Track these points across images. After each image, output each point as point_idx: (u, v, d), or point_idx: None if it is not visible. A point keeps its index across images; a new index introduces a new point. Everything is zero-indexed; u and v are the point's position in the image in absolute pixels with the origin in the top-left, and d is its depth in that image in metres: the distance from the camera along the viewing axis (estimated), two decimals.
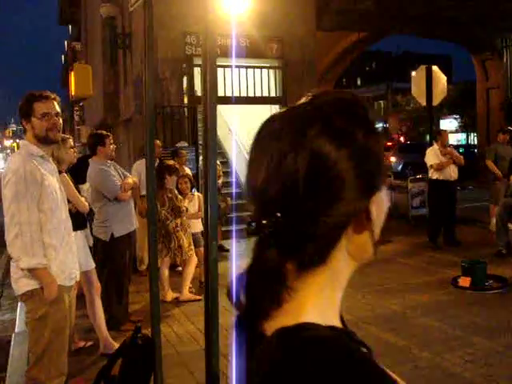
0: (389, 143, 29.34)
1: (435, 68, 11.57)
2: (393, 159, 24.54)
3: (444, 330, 5.04)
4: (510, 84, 19.78)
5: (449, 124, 45.88)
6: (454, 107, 36.77)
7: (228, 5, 8.21)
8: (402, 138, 39.38)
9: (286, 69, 9.18)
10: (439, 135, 9.22)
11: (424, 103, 11.60)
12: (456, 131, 44.18)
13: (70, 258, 3.32)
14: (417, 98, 11.77)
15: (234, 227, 9.81)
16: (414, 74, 11.68)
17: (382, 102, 51.45)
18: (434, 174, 8.91)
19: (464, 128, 41.71)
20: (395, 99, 47.53)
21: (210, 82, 2.27)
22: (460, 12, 16.58)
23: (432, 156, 8.96)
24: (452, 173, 8.94)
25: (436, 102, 11.52)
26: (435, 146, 9.10)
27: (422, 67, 11.63)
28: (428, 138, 33.97)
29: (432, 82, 11.42)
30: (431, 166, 8.85)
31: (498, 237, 8.06)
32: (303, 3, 9.09)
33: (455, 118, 42.56)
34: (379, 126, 46.22)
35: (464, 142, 40.39)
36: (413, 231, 10.26)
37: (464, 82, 34.31)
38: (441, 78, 11.51)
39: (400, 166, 23.24)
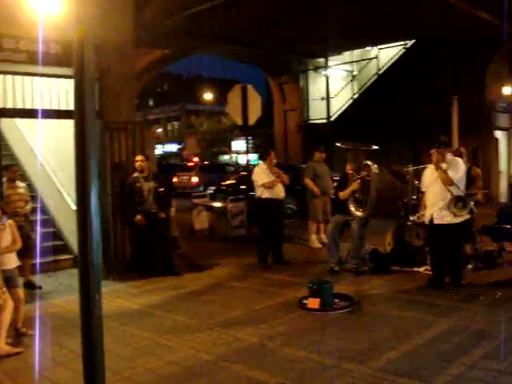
0: (190, 164, 29.28)
1: (250, 87, 11.55)
2: (195, 179, 24.46)
3: (314, 360, 4.66)
4: (306, 107, 20.98)
5: (240, 145, 47.81)
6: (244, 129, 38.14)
7: (37, 6, 7.13)
8: (196, 159, 39.73)
9: (102, 80, 8.27)
10: (268, 154, 9.09)
11: (240, 122, 11.50)
12: (249, 152, 46.04)
13: None
14: (232, 117, 11.62)
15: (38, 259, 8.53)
16: (229, 92, 11.53)
17: (176, 123, 51.74)
18: (263, 193, 8.72)
19: (256, 149, 43.66)
20: (189, 120, 48.16)
21: None
22: (261, 36, 17.12)
23: (262, 174, 8.78)
24: (280, 191, 8.86)
25: (252, 121, 11.48)
26: (263, 165, 8.93)
27: (238, 86, 11.54)
28: (225, 157, 34.82)
29: (247, 101, 11.37)
30: (263, 184, 8.65)
31: (330, 254, 8.11)
32: (122, 9, 8.31)
33: (245, 140, 44.27)
34: (175, 147, 46.37)
35: (256, 162, 42.27)
36: (238, 252, 9.99)
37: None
38: (256, 98, 11.52)
39: (202, 187, 23.20)
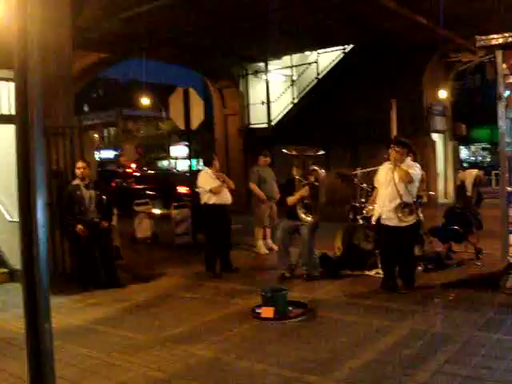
0: (128, 170, 28.57)
1: (192, 90, 11.29)
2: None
3: (274, 373, 4.44)
4: (247, 111, 20.83)
5: (179, 151, 47.23)
6: (184, 134, 37.70)
7: None
8: (133, 165, 38.84)
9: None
10: (214, 160, 8.86)
11: (182, 126, 11.20)
12: (186, 158, 45.59)
13: None
14: (175, 121, 11.30)
15: None
16: (171, 96, 11.21)
17: (112, 128, 50.54)
18: (210, 199, 8.47)
19: (194, 154, 43.20)
20: (126, 126, 47.17)
21: None
22: (200, 40, 16.84)
23: (207, 180, 8.52)
24: (227, 196, 8.63)
25: (194, 125, 11.21)
26: (208, 170, 8.68)
27: (180, 89, 11.25)
28: (166, 163, 34.20)
29: (189, 105, 11.10)
30: (210, 190, 8.39)
31: (280, 260, 7.93)
32: (59, 10, 7.86)
33: (186, 145, 43.85)
34: (112, 153, 45.27)
35: (194, 168, 41.89)
36: (184, 260, 9.67)
37: None
38: (198, 101, 11.27)
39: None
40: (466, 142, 34.00)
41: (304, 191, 7.55)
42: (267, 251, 10.31)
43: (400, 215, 6.45)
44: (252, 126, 21.16)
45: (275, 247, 10.33)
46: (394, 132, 18.11)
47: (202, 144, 36.44)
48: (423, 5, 13.64)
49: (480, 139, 38.85)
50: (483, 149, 41.65)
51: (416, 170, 6.66)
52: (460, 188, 8.52)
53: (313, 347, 5.00)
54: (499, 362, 4.33)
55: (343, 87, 18.30)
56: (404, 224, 6.53)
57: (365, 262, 7.96)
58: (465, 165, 30.16)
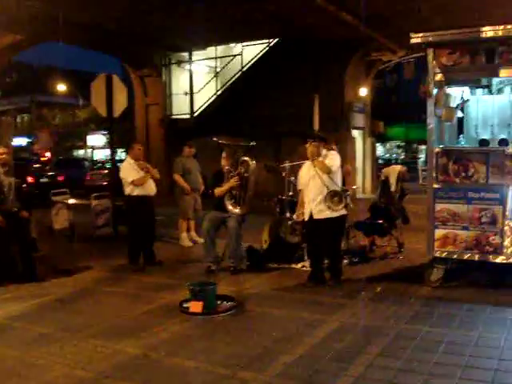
0: (42, 158, 27.32)
1: (116, 77, 10.87)
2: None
3: (205, 370, 4.27)
4: (169, 101, 20.42)
5: (96, 140, 45.78)
6: (102, 123, 36.58)
7: None
8: (48, 154, 37.22)
9: None
10: (131, 149, 8.48)
11: (104, 114, 10.76)
12: (104, 147, 44.33)
13: None
14: (97, 109, 10.82)
15: None
16: (94, 82, 10.72)
17: (26, 115, 48.17)
18: (134, 190, 8.14)
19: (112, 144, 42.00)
20: (41, 113, 45.14)
21: None
22: (122, 26, 16.31)
23: (130, 171, 8.17)
24: (151, 188, 8.34)
25: (117, 113, 10.81)
26: (131, 161, 8.32)
27: (102, 75, 10.80)
28: (85, 152, 33.07)
29: (113, 92, 10.68)
30: (132, 181, 8.06)
31: (207, 253, 7.75)
32: None
33: (103, 134, 42.62)
34: (25, 140, 43.20)
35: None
36: (105, 253, 9.29)
37: None
38: (121, 88, 10.87)
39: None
40: (382, 139, 35.11)
41: (233, 182, 7.42)
42: (191, 244, 10.11)
43: (330, 204, 6.46)
44: (174, 117, 20.77)
45: (199, 240, 10.16)
46: (317, 127, 18.42)
47: (120, 133, 35.45)
48: (348, 2, 13.86)
49: (394, 137, 40.29)
50: (398, 146, 43.24)
51: (333, 160, 6.69)
52: (384, 183, 8.65)
53: (244, 342, 4.88)
54: (430, 354, 4.39)
55: (267, 81, 18.32)
56: (335, 214, 6.55)
57: (291, 256, 7.95)
58: (380, 161, 31.08)
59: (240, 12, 14.54)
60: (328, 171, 6.53)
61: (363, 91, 20.21)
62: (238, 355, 4.56)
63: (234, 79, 19.67)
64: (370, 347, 4.61)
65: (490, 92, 7.04)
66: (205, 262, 7.79)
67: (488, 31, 5.55)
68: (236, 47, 19.77)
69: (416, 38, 5.88)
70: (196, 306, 5.78)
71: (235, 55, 19.74)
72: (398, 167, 8.88)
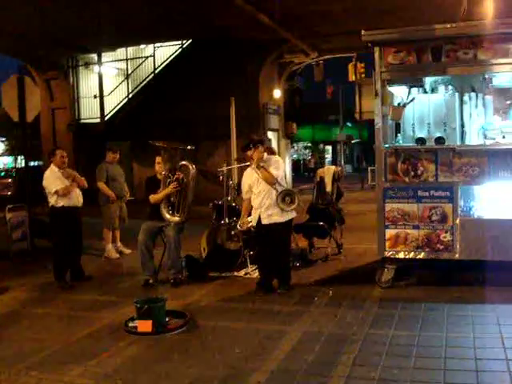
0: None
1: (28, 79, 10.10)
2: None
3: None
4: (77, 105, 19.45)
5: None
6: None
7: None
8: None
9: None
10: (53, 156, 7.80)
11: (16, 118, 9.93)
12: (3, 154, 41.89)
13: None
14: (8, 112, 9.94)
15: None
16: (4, 84, 9.86)
17: None
18: (58, 201, 7.48)
19: (12, 151, 39.57)
20: None
21: None
22: (26, 26, 15.32)
23: (54, 180, 7.49)
24: (78, 198, 7.72)
25: (30, 117, 10.03)
26: (54, 168, 7.65)
27: (14, 76, 9.96)
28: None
29: (25, 95, 9.88)
30: (56, 191, 7.39)
31: (144, 265, 7.24)
32: None
33: (2, 141, 40.20)
34: None
35: (11, 166, 38.48)
36: (25, 270, 8.54)
37: None
38: (34, 91, 10.11)
39: None
40: (291, 140, 35.54)
41: (171, 188, 7.00)
42: (118, 255, 9.55)
43: (283, 206, 6.24)
44: (83, 121, 19.79)
45: (126, 251, 9.66)
46: (233, 130, 18.18)
47: (20, 140, 33.45)
48: (265, 3, 13.75)
49: (302, 138, 41.00)
50: (305, 147, 44.06)
51: (277, 165, 6.55)
52: (319, 184, 8.56)
53: (207, 362, 4.51)
54: (406, 359, 4.25)
55: (182, 83, 17.87)
56: (284, 219, 6.35)
57: (232, 263, 7.64)
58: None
59: (155, 12, 14.02)
60: (273, 182, 6.32)
61: (277, 93, 20.27)
62: (205, 378, 4.19)
63: (146, 81, 19.02)
64: (342, 357, 4.40)
65: (425, 91, 7.10)
66: (142, 275, 7.29)
67: (436, 30, 5.55)
68: (147, 48, 19.14)
69: (366, 36, 5.78)
70: (145, 325, 5.32)
71: (147, 57, 19.11)
72: (333, 168, 8.82)
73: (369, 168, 25.54)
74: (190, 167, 6.97)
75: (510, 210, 5.91)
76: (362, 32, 5.81)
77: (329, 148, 46.07)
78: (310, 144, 44.29)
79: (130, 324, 5.49)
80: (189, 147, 7.28)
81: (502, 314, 5.18)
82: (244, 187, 6.74)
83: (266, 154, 6.67)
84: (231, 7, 13.23)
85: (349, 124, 38.95)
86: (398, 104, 6.63)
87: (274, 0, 13.32)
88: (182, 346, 4.95)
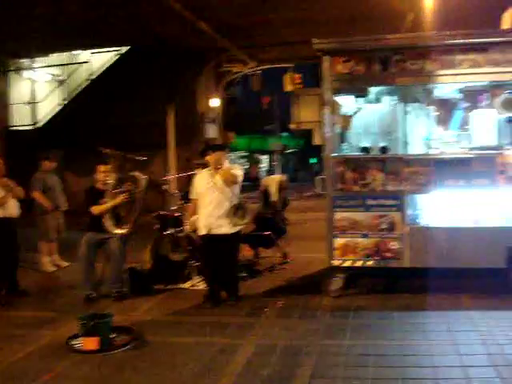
0: None
1: None
2: None
3: None
4: (8, 112, 18.65)
5: None
6: None
7: None
8: None
9: None
10: None
11: None
12: None
13: None
14: None
15: None
16: None
17: None
18: None
19: None
20: None
21: None
22: None
23: None
24: (13, 209, 7.32)
25: None
26: None
27: None
28: None
29: None
30: None
31: (85, 279, 6.92)
32: None
33: None
34: None
35: None
36: None
37: None
38: None
39: None
40: (228, 150, 35.48)
41: (120, 199, 6.75)
42: (54, 268, 9.14)
43: (235, 220, 6.12)
44: (14, 128, 18.98)
45: (62, 264, 9.26)
46: (172, 139, 17.95)
47: None
48: (206, 11, 13.65)
49: (239, 147, 40.95)
50: (242, 157, 44.03)
51: (238, 170, 6.45)
52: (264, 194, 8.50)
53: (161, 381, 4.32)
54: (364, 370, 4.21)
55: (119, 90, 17.45)
56: (233, 230, 6.22)
57: (177, 275, 7.44)
58: None
59: (92, 17, 13.61)
60: (234, 181, 6.19)
61: (215, 102, 20.18)
62: None
63: (82, 88, 18.48)
64: (299, 369, 4.31)
65: (370, 101, 7.17)
66: (83, 289, 6.96)
67: (385, 40, 5.61)
68: (82, 54, 18.61)
69: (316, 45, 5.78)
70: (90, 343, 5.05)
71: (82, 62, 18.58)
72: (278, 177, 8.80)
73: (317, 177, 25.65)
74: (140, 178, 6.75)
75: (457, 218, 6.03)
76: (313, 40, 5.80)
77: (265, 157, 46.23)
78: (246, 153, 44.30)
79: (74, 342, 5.20)
80: (141, 158, 7.05)
81: (453, 320, 5.26)
82: (195, 188, 6.53)
83: (227, 161, 6.55)
84: (170, 13, 13.02)
85: (285, 134, 39.27)
86: (344, 114, 6.65)
87: (215, 9, 13.26)
88: (131, 364, 4.72)
